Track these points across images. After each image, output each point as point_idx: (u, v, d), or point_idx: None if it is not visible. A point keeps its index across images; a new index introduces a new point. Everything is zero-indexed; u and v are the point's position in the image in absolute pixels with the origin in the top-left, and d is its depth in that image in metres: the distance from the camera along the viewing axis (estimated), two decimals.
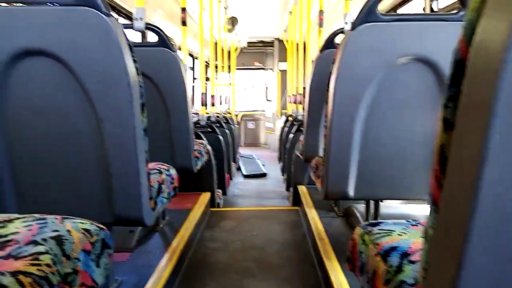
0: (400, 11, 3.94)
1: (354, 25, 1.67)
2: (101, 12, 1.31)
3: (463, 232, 0.52)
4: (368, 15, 1.65)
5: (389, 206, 2.63)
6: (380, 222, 1.18)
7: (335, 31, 2.79)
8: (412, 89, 1.71)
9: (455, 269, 0.54)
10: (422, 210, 2.57)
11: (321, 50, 2.81)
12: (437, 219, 0.62)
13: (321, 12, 4.07)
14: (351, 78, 1.70)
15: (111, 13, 1.36)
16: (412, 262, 0.93)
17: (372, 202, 2.15)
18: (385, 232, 1.09)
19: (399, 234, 1.08)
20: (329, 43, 2.76)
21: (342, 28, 2.81)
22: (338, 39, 2.82)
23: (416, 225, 1.16)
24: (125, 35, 1.38)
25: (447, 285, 0.56)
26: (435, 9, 3.13)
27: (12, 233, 0.98)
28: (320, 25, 4.04)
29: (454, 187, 0.56)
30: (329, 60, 2.23)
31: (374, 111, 1.72)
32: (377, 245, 1.04)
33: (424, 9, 3.30)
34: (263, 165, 6.54)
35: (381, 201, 2.13)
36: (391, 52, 1.66)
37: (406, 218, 1.22)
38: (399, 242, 1.03)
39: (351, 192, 1.82)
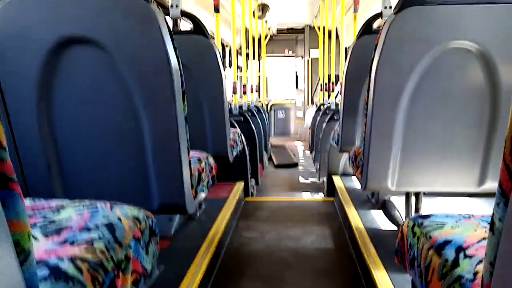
0: None
1: (398, 8, 1.60)
2: None
3: None
4: None
5: (427, 199, 2.56)
6: (431, 215, 1.14)
7: (372, 16, 2.70)
8: (459, 78, 1.63)
9: None
10: (464, 202, 2.48)
11: (358, 37, 2.72)
12: (507, 211, 0.58)
13: None
14: (394, 65, 1.64)
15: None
16: (469, 256, 0.89)
17: (412, 194, 2.09)
18: (437, 225, 1.05)
19: (452, 227, 1.04)
20: (366, 29, 2.67)
21: (380, 13, 2.71)
22: (375, 25, 2.73)
23: (469, 218, 1.11)
24: (167, 22, 1.38)
25: None
26: None
27: (66, 219, 1.00)
28: (356, 10, 3.92)
29: None
30: (366, 47, 2.16)
31: (418, 100, 1.65)
32: (429, 238, 1.01)
33: None
34: (294, 155, 6.50)
35: (424, 194, 2.06)
36: (438, 38, 1.58)
37: (447, 211, 1.18)
38: (453, 236, 0.99)
39: (391, 184, 1.77)
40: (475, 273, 0.83)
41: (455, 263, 0.88)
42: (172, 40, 1.38)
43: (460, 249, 0.93)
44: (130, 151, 1.45)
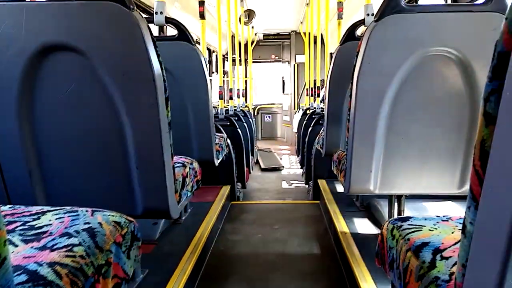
0: (421, 1, 3.85)
1: (379, 16, 1.64)
2: (126, 7, 1.31)
3: (507, 229, 0.50)
4: (393, 5, 1.61)
5: (411, 201, 2.59)
6: (410, 217, 1.16)
7: (355, 23, 2.74)
8: (438, 83, 1.67)
9: (499, 267, 0.52)
10: (447, 205, 2.53)
11: (341, 42, 2.76)
12: (477, 215, 0.60)
13: (340, 3, 4.01)
14: (375, 70, 1.67)
15: (135, 7, 1.37)
16: (445, 258, 0.91)
17: (395, 197, 2.12)
18: (415, 227, 1.08)
19: (430, 230, 1.06)
20: (350, 35, 2.72)
21: (363, 20, 2.76)
22: (359, 31, 2.78)
23: (446, 221, 1.14)
24: (150, 29, 1.39)
25: (490, 281, 0.55)
26: None
27: (46, 225, 1.00)
28: (339, 16, 3.97)
29: (497, 183, 0.55)
30: (349, 53, 2.19)
31: (399, 105, 1.68)
32: (407, 241, 1.03)
33: (445, 0, 3.21)
34: (281, 158, 6.52)
35: (407, 197, 2.10)
36: (417, 44, 1.62)
37: (429, 213, 1.20)
38: (431, 238, 1.01)
39: (374, 187, 1.79)
40: (451, 274, 0.85)
41: (432, 264, 0.90)
42: (155, 47, 1.38)
43: (437, 251, 0.95)
44: (113, 156, 1.45)
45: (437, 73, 1.65)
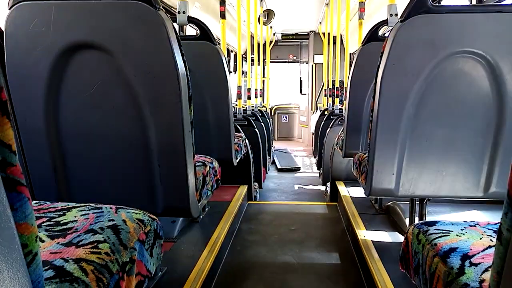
0: (446, 2, 3.78)
1: (405, 16, 1.61)
2: (152, 6, 1.32)
3: None
4: (420, 5, 1.58)
5: (432, 205, 2.55)
6: (436, 222, 1.13)
7: (378, 23, 2.70)
8: (464, 85, 1.63)
9: None
10: (469, 208, 2.47)
11: (363, 43, 2.73)
12: None
13: (361, 3, 3.96)
14: (400, 71, 1.64)
15: (160, 7, 1.37)
16: (474, 265, 0.89)
17: (417, 201, 2.08)
18: (442, 232, 1.05)
19: (457, 235, 1.03)
20: (372, 36, 2.68)
21: (385, 20, 2.72)
22: (381, 31, 2.74)
23: (474, 226, 1.11)
24: (175, 29, 1.39)
25: None
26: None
27: (71, 221, 1.01)
28: (361, 17, 3.93)
29: None
30: (371, 53, 2.16)
31: (423, 107, 1.65)
32: (434, 246, 1.00)
33: (470, 0, 3.14)
34: (297, 159, 6.50)
35: (429, 200, 2.05)
36: (444, 45, 1.59)
37: (451, 217, 1.17)
38: (459, 243, 0.98)
39: (396, 189, 1.76)
40: (481, 281, 0.83)
41: (461, 271, 0.88)
42: (180, 46, 1.39)
43: (465, 257, 0.92)
44: (136, 155, 1.46)
45: (463, 75, 1.61)
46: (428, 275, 0.99)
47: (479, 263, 0.89)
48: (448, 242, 0.99)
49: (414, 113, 1.66)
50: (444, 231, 1.06)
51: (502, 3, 1.71)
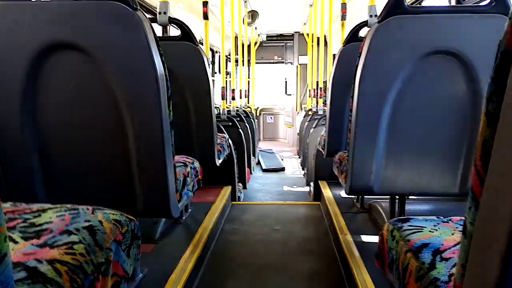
0: (424, 3, 3.85)
1: (382, 17, 1.64)
2: (128, 6, 1.32)
3: (507, 230, 0.50)
4: (396, 7, 1.61)
5: (412, 202, 2.59)
6: (410, 218, 1.16)
7: (358, 24, 2.74)
8: (440, 84, 1.67)
9: (498, 268, 0.52)
10: (448, 206, 2.52)
11: (344, 44, 2.76)
12: (478, 215, 0.60)
13: (343, 4, 4.01)
14: (377, 72, 1.67)
15: (138, 7, 1.37)
16: (445, 259, 0.91)
17: (397, 198, 2.12)
18: (415, 229, 1.08)
19: (430, 231, 1.06)
20: (353, 36, 2.72)
21: (366, 21, 2.76)
22: (362, 32, 2.77)
23: (447, 222, 1.14)
24: (153, 29, 1.39)
25: (489, 283, 0.54)
26: (461, 1, 3.04)
27: (46, 222, 1.00)
28: (343, 18, 3.98)
29: (498, 183, 0.55)
30: (352, 54, 2.20)
31: (401, 106, 1.68)
32: (408, 242, 1.02)
33: (449, 1, 3.21)
34: (282, 159, 6.53)
35: (407, 198, 2.09)
36: (420, 45, 1.62)
37: (431, 214, 1.20)
38: (431, 239, 1.01)
39: (375, 187, 1.79)
40: (450, 275, 0.85)
41: (432, 265, 0.90)
42: (158, 46, 1.39)
43: (437, 252, 0.95)
44: (115, 155, 1.45)
45: (439, 74, 1.65)
46: (401, 270, 1.01)
47: (450, 258, 0.92)
48: (421, 238, 1.02)
49: (392, 112, 1.69)
50: (418, 227, 1.08)
51: (480, 4, 1.76)
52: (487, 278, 0.56)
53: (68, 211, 1.07)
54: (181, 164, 1.91)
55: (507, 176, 0.52)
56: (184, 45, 2.43)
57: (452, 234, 1.05)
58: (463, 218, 1.19)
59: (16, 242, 0.89)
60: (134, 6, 1.32)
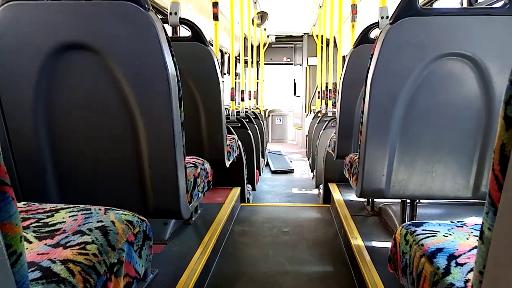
0: (436, 4, 3.81)
1: (394, 18, 1.62)
2: (141, 7, 1.32)
3: None
4: (408, 8, 1.60)
5: (423, 206, 2.56)
6: (424, 222, 1.14)
7: (369, 26, 2.72)
8: (453, 87, 1.65)
9: None
10: (459, 210, 2.49)
11: (355, 45, 2.75)
12: (496, 220, 0.59)
13: (354, 6, 3.99)
14: (389, 73, 1.65)
15: (150, 7, 1.38)
16: (460, 265, 0.90)
17: (408, 202, 2.09)
18: (429, 233, 1.06)
19: (444, 235, 1.05)
20: (363, 38, 2.70)
21: (377, 22, 2.74)
22: (373, 34, 2.76)
23: (461, 226, 1.12)
24: (165, 30, 1.39)
25: None
26: (473, 2, 3.01)
27: (59, 222, 1.01)
28: (353, 19, 3.95)
29: None
30: (363, 55, 2.18)
31: (413, 108, 1.67)
32: (421, 246, 1.01)
33: (461, 3, 3.18)
34: (291, 161, 6.51)
35: (419, 201, 2.07)
36: (433, 47, 1.60)
37: (443, 218, 1.19)
38: (445, 244, 0.99)
39: (387, 191, 1.77)
40: (466, 281, 0.84)
41: (447, 271, 0.89)
42: (170, 47, 1.39)
43: (452, 257, 0.93)
44: (126, 156, 1.46)
45: (452, 76, 1.63)
46: (415, 275, 1.00)
47: (465, 263, 0.90)
48: (435, 242, 1.00)
49: (404, 114, 1.67)
50: (431, 232, 1.07)
51: (493, 6, 1.73)
52: (505, 285, 0.54)
53: (80, 211, 1.08)
54: (192, 165, 1.91)
55: None
56: (194, 45, 2.44)
57: (467, 238, 1.03)
58: (478, 222, 1.17)
59: (30, 242, 0.89)
60: (147, 6, 1.33)
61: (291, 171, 5.84)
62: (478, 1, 2.95)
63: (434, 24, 1.60)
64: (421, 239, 1.04)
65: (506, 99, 0.55)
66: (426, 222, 1.15)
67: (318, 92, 7.23)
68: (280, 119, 10.22)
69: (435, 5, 3.74)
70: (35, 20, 1.33)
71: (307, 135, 6.76)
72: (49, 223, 1.00)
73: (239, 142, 3.45)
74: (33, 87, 1.38)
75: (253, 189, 4.07)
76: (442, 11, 1.66)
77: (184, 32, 4.61)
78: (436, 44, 1.60)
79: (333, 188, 3.41)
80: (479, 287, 0.65)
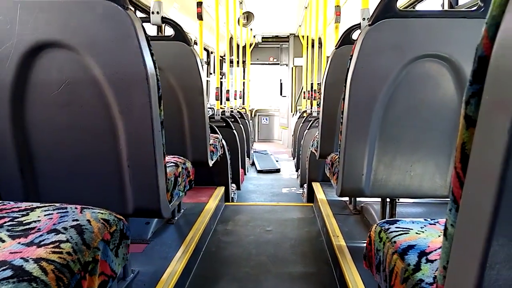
0: (418, 7, 3.88)
1: (372, 20, 1.65)
2: (119, 6, 1.32)
3: (485, 231, 0.51)
4: (386, 10, 1.63)
5: (405, 205, 2.60)
6: (397, 220, 1.17)
7: (351, 27, 2.76)
8: (430, 88, 1.68)
9: (477, 269, 0.53)
10: (439, 209, 2.54)
11: (337, 46, 2.78)
12: (458, 217, 0.61)
13: (337, 7, 4.03)
14: (368, 74, 1.68)
15: (129, 6, 1.37)
16: (431, 261, 0.92)
17: (388, 200, 2.13)
18: (402, 230, 1.08)
19: (416, 233, 1.07)
20: (345, 39, 2.73)
21: (359, 24, 2.77)
22: (355, 35, 2.79)
23: (434, 224, 1.15)
24: (144, 29, 1.39)
25: (469, 285, 0.55)
26: (454, 5, 3.07)
27: (34, 221, 1.00)
28: (337, 20, 3.99)
29: (476, 185, 0.55)
30: (345, 56, 2.21)
31: (392, 109, 1.70)
32: (394, 243, 1.03)
33: (442, 6, 3.24)
34: (277, 161, 6.54)
35: (398, 200, 2.11)
36: (410, 49, 1.64)
37: (423, 217, 1.21)
38: (417, 241, 1.02)
39: (366, 189, 1.80)
40: (435, 277, 0.86)
41: (417, 267, 0.91)
42: (149, 46, 1.39)
43: (422, 254, 0.96)
44: (105, 155, 1.45)
45: (429, 78, 1.67)
46: (387, 272, 1.02)
47: (436, 260, 0.92)
48: (407, 239, 1.03)
49: (383, 115, 1.70)
50: (404, 229, 1.09)
51: (468, 9, 1.78)
52: (467, 279, 0.56)
53: (56, 210, 1.07)
54: (172, 164, 1.91)
55: (484, 178, 0.52)
56: (177, 45, 2.43)
57: (439, 236, 1.06)
58: None
59: (3, 241, 0.88)
60: (125, 5, 1.32)
61: (277, 171, 5.87)
62: (459, 4, 3.02)
63: (412, 26, 1.63)
64: (394, 237, 1.06)
65: (466, 99, 0.57)
66: (400, 220, 1.17)
67: (304, 92, 7.28)
68: (266, 119, 10.25)
69: (418, 7, 3.81)
70: (11, 17, 1.32)
71: (292, 135, 6.80)
72: (24, 222, 0.99)
73: (223, 142, 3.45)
74: (10, 85, 1.36)
75: (238, 188, 4.07)
76: (420, 13, 1.69)
77: (169, 31, 4.59)
78: (413, 45, 1.64)
79: (317, 187, 3.44)
80: (443, 282, 0.67)
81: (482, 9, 1.60)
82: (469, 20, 1.62)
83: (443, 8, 3.20)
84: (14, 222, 0.99)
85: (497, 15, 0.50)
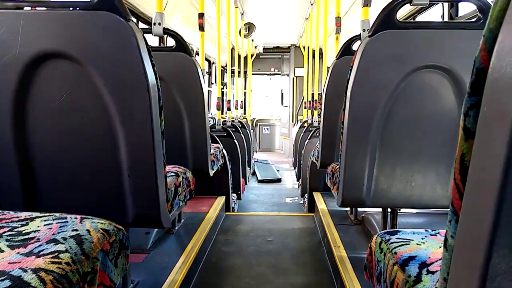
0: (418, 19, 3.90)
1: (372, 31, 1.66)
2: (121, 17, 1.33)
3: (485, 243, 0.51)
4: (386, 22, 1.64)
5: (406, 215, 2.59)
6: (398, 231, 1.16)
7: (351, 38, 2.78)
8: (431, 99, 1.69)
9: (478, 281, 0.53)
10: (440, 220, 2.52)
11: (338, 57, 2.80)
12: (458, 228, 0.61)
13: (338, 18, 4.06)
14: (368, 85, 1.69)
15: (131, 18, 1.39)
16: (432, 272, 0.92)
17: (389, 211, 2.12)
18: (403, 241, 1.08)
19: (417, 244, 1.06)
20: (346, 50, 2.75)
21: (359, 35, 2.79)
22: (356, 46, 2.81)
23: (435, 235, 1.14)
24: (145, 39, 1.40)
25: None
26: (454, 17, 3.09)
27: (34, 231, 1.00)
28: (337, 31, 4.02)
29: (475, 197, 0.55)
30: (345, 67, 2.23)
31: (392, 119, 1.70)
32: (395, 254, 1.03)
33: (442, 17, 3.26)
34: (278, 170, 6.53)
35: (399, 210, 2.10)
36: (410, 60, 1.65)
37: (424, 228, 1.21)
38: (418, 252, 1.01)
39: (367, 199, 1.80)
40: None
41: (418, 278, 0.90)
42: (151, 57, 1.40)
43: (423, 265, 0.95)
44: (106, 164, 1.45)
45: (429, 89, 1.67)
46: (388, 283, 1.01)
47: (436, 271, 0.92)
48: (408, 250, 1.02)
49: (383, 125, 1.70)
50: (405, 240, 1.08)
51: (469, 21, 1.79)
52: None
53: (56, 220, 1.07)
54: (173, 174, 1.91)
55: (483, 190, 0.52)
56: (178, 55, 2.45)
57: (440, 247, 1.05)
58: None
59: (2, 251, 0.88)
60: (127, 17, 1.34)
61: (278, 180, 5.86)
62: (459, 15, 3.04)
63: (412, 37, 1.64)
64: (395, 247, 1.05)
65: (464, 111, 0.58)
66: (401, 231, 1.16)
67: (305, 102, 7.30)
68: (267, 129, 10.26)
69: (418, 19, 3.83)
70: (13, 29, 1.33)
71: (294, 145, 6.80)
72: (23, 232, 0.99)
73: (224, 151, 3.45)
74: (12, 95, 1.37)
75: (239, 198, 4.07)
76: (419, 24, 1.71)
77: (171, 42, 4.63)
78: (413, 56, 1.64)
79: (318, 197, 3.43)
80: None
81: (482, 21, 1.61)
82: (469, 32, 1.63)
83: (443, 19, 3.22)
84: (13, 232, 0.99)
85: (494, 28, 0.51)
